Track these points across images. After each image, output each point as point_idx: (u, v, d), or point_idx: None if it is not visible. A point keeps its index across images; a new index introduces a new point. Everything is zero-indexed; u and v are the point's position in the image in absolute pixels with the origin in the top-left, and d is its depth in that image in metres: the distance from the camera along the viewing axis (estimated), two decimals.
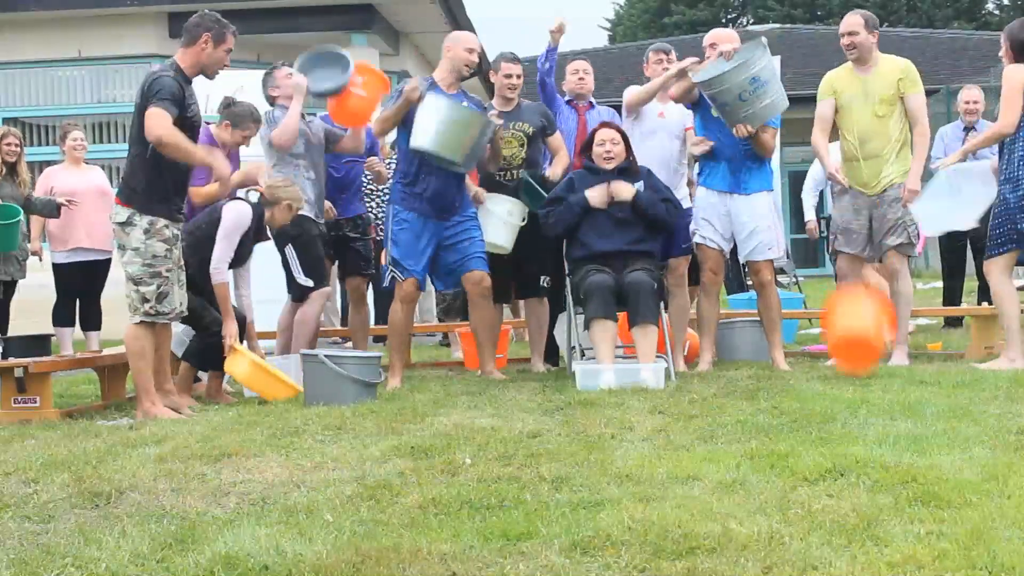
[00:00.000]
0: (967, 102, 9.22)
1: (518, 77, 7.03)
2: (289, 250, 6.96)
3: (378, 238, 8.30)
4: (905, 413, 4.76)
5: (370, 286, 8.24)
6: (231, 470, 4.11)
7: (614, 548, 2.97)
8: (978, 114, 9.21)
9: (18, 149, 8.82)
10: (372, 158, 7.69)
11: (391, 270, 6.69)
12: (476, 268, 6.70)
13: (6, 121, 13.66)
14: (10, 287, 9.05)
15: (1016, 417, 4.63)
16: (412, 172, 6.66)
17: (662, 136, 7.11)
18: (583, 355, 6.67)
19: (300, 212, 6.72)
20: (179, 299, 5.78)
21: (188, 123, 5.69)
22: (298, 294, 7.04)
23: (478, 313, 6.84)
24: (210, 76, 5.85)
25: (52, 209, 8.87)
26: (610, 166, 6.60)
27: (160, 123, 5.52)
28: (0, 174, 8.72)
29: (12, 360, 6.17)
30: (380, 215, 8.48)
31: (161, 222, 5.66)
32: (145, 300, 5.65)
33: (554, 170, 6.96)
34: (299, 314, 7.03)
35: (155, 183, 5.66)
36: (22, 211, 8.55)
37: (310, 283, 6.96)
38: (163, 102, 5.54)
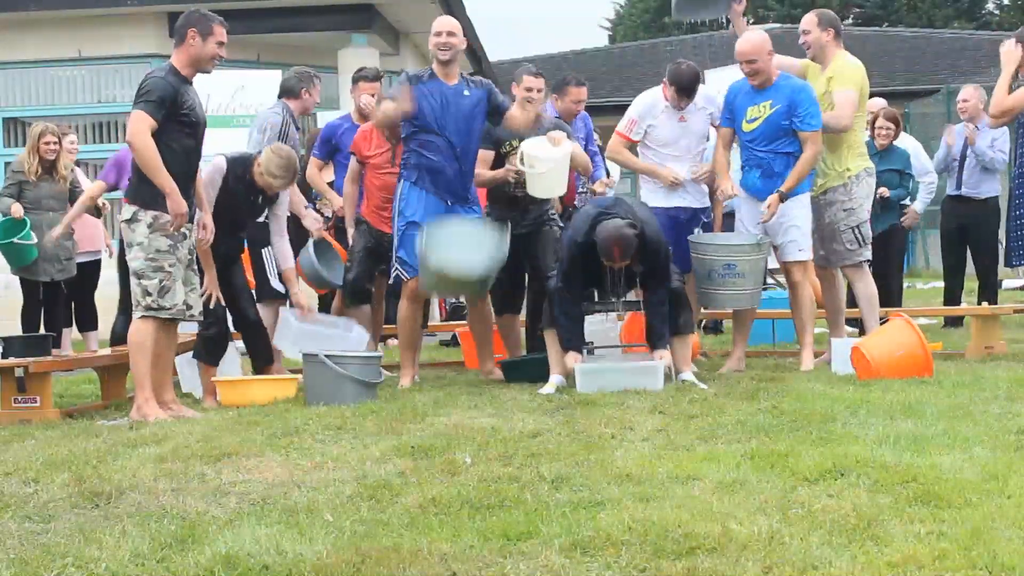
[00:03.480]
0: (960, 100, 9.30)
1: (539, 91, 6.95)
2: (266, 252, 6.98)
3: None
4: (905, 413, 4.76)
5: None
6: (231, 470, 4.11)
7: (614, 548, 2.98)
8: (971, 112, 9.23)
9: (57, 147, 8.77)
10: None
11: (396, 268, 6.67)
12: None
13: (6, 121, 13.68)
14: (54, 287, 8.97)
15: (1016, 417, 4.63)
16: (412, 163, 6.57)
17: (689, 141, 7.01)
18: (591, 353, 6.66)
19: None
20: (182, 296, 5.75)
21: (183, 120, 5.67)
22: (270, 295, 7.05)
23: (477, 314, 6.85)
24: (206, 70, 5.84)
25: (94, 210, 8.88)
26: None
27: (137, 128, 5.55)
28: (36, 173, 8.69)
29: (12, 360, 6.17)
30: None
31: (165, 217, 5.65)
32: (147, 294, 5.66)
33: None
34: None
35: None
36: (28, 224, 8.53)
37: (282, 289, 6.95)
38: (147, 104, 5.56)
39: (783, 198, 6.61)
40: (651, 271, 6.16)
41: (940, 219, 9.95)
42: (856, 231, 6.78)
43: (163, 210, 5.65)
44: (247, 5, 12.42)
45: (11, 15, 12.99)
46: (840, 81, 6.74)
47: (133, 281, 5.72)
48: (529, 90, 6.88)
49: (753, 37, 6.80)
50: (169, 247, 5.69)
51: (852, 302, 7.27)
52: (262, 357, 6.60)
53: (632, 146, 7.13)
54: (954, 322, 9.59)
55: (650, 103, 6.99)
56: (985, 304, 8.50)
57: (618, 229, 5.89)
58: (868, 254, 6.89)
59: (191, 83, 5.82)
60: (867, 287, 6.91)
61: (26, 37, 13.18)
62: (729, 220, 8.77)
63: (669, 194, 6.94)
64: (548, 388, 6.02)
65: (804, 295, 6.84)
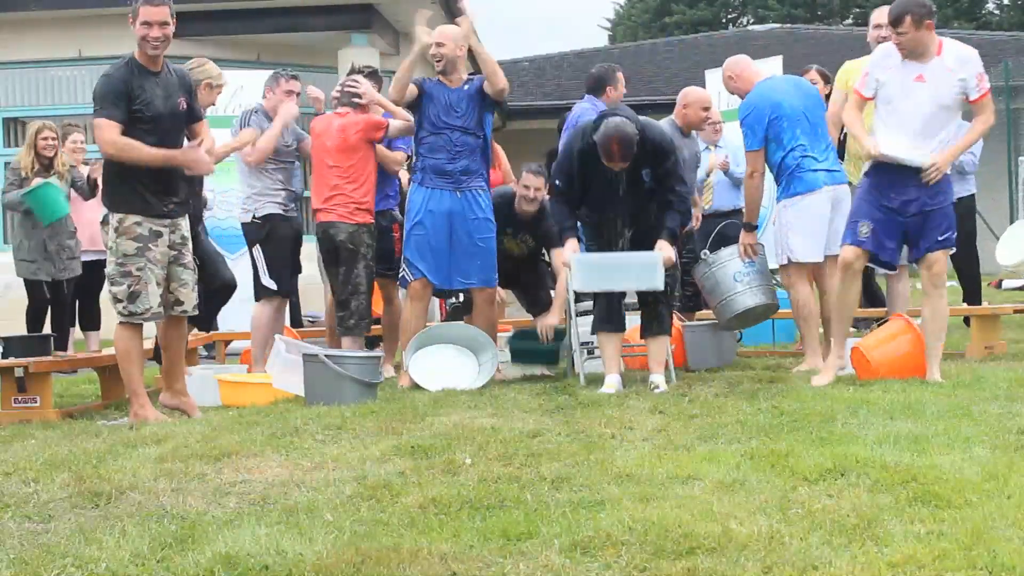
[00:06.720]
0: None
1: (536, 190, 6.95)
2: (256, 251, 7.02)
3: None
4: (905, 413, 4.76)
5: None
6: (231, 470, 4.12)
7: (614, 548, 2.98)
8: None
9: (55, 143, 8.76)
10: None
11: (403, 268, 6.76)
12: (484, 286, 6.79)
13: (6, 121, 13.68)
14: (57, 287, 8.93)
15: (1016, 417, 4.63)
16: (419, 166, 6.75)
17: (923, 110, 5.65)
18: (591, 353, 6.67)
19: (270, 212, 6.93)
20: (156, 299, 5.58)
21: (136, 115, 5.51)
22: (261, 295, 7.09)
23: (480, 316, 6.88)
24: (146, 55, 5.66)
25: (86, 192, 8.90)
26: None
27: (106, 137, 5.47)
28: (33, 170, 8.65)
29: (12, 360, 6.18)
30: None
31: (131, 219, 5.53)
32: (117, 300, 5.56)
33: (546, 320, 7.02)
34: (252, 320, 7.14)
35: (124, 180, 5.55)
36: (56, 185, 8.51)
37: (273, 285, 6.98)
38: (103, 111, 5.49)
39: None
40: (658, 175, 6.03)
41: None
42: None
43: (128, 212, 5.54)
44: (247, 5, 12.39)
45: (11, 15, 12.99)
46: None
47: (108, 286, 5.65)
48: (527, 188, 6.96)
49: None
50: (137, 250, 5.53)
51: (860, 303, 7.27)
52: (203, 321, 6.74)
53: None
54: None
55: (882, 53, 5.75)
56: (986, 303, 8.51)
57: (618, 127, 5.77)
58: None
59: (156, 72, 5.65)
60: (904, 285, 7.03)
61: (26, 37, 13.18)
62: (718, 221, 8.75)
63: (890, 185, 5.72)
64: (607, 388, 5.96)
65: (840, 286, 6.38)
